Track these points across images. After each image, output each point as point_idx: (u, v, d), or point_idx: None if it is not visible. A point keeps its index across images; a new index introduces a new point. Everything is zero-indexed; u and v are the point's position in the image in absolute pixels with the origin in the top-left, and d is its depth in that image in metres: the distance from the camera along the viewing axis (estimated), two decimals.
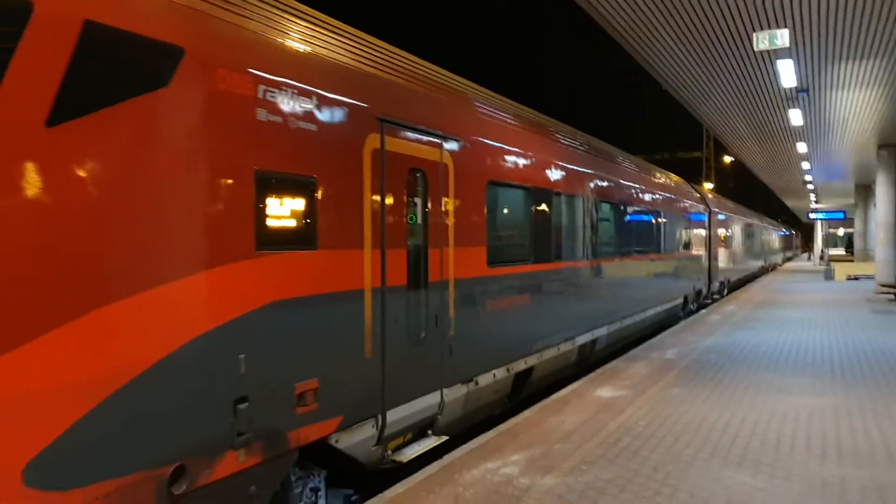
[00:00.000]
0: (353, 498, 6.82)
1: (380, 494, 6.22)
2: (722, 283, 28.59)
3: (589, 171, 12.55)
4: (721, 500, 5.91)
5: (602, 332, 13.27)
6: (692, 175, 68.31)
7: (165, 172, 4.42)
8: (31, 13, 3.68)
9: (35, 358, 3.68)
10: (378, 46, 7.49)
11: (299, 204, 5.62)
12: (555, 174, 10.89)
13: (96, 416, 3.95)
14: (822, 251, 67.14)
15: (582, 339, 12.11)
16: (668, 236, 18.91)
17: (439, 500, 6.00)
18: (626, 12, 12.50)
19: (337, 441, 6.06)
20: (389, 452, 6.96)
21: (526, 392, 10.33)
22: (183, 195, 4.54)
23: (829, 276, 38.25)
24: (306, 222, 5.68)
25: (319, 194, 5.79)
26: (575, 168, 11.81)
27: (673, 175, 23.25)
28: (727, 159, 68.76)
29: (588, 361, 13.11)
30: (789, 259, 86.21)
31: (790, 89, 17.79)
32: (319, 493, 6.29)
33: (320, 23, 6.58)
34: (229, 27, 5.12)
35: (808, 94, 18.43)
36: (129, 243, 4.19)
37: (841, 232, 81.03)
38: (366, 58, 6.94)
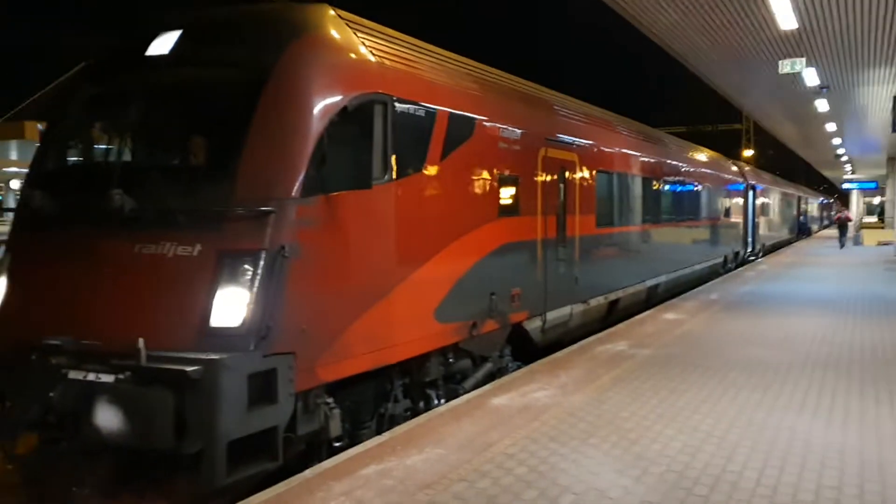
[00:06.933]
0: (520, 365, 11.51)
1: (548, 356, 10.86)
2: (758, 247, 32.82)
3: (651, 157, 16.99)
4: (746, 359, 10.48)
5: (662, 279, 17.79)
6: (733, 145, 71.64)
7: (475, 175, 9.05)
8: (436, 114, 8.28)
9: (436, 263, 8.30)
10: (538, 89, 12.03)
11: (512, 191, 10.21)
12: (629, 161, 15.38)
13: (452, 292, 8.60)
14: (858, 220, 70.02)
15: (650, 283, 16.68)
16: (710, 206, 23.26)
17: (584, 358, 10.65)
18: (675, 28, 16.66)
19: (525, 325, 10.70)
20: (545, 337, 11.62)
21: (613, 317, 14.90)
22: (477, 186, 9.16)
23: (857, 241, 42.10)
24: (515, 201, 10.26)
25: (519, 184, 10.36)
26: (640, 155, 16.25)
27: (714, 153, 27.50)
28: None
29: (651, 301, 17.62)
30: (826, 226, 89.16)
31: (814, 86, 21.88)
32: (508, 359, 10.96)
33: (512, 82, 11.12)
34: (489, 104, 9.70)
35: (829, 90, 22.47)
36: (463, 209, 8.82)
37: (877, 200, 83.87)
38: (535, 99, 11.52)
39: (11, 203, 68.58)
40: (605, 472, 6.02)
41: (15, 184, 67.87)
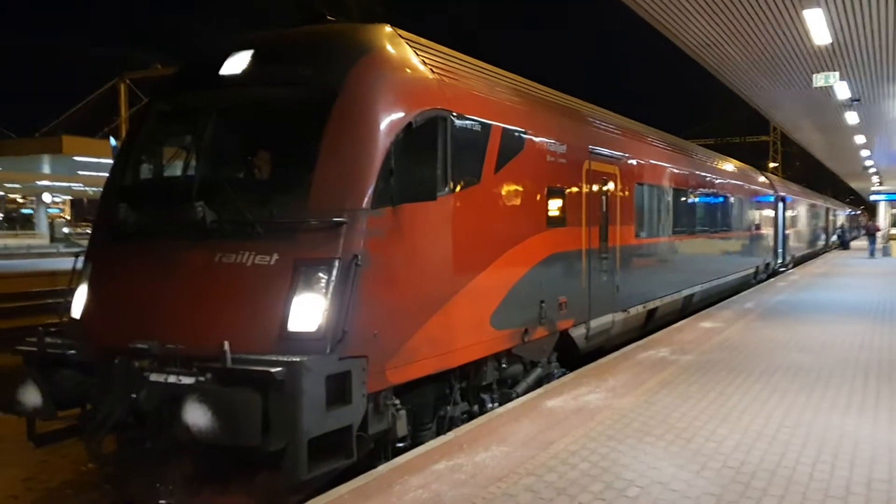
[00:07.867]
0: (565, 371, 11.81)
1: (594, 362, 11.16)
2: (788, 258, 32.90)
3: (686, 170, 17.27)
4: (787, 363, 10.72)
5: (697, 289, 18.03)
6: (761, 157, 71.47)
7: (526, 187, 9.40)
8: (490, 129, 8.65)
9: (492, 271, 8.65)
10: (580, 103, 12.39)
11: (559, 202, 10.55)
12: (666, 174, 15.68)
13: (507, 299, 8.95)
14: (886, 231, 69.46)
15: (685, 292, 16.93)
16: (742, 218, 23.47)
17: (629, 364, 10.94)
18: (712, 44, 16.95)
19: (571, 332, 11.00)
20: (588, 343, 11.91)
21: (651, 325, 15.16)
22: (528, 198, 9.51)
23: (887, 252, 41.96)
24: (562, 212, 10.60)
25: (566, 196, 10.70)
26: (675, 168, 16.54)
27: (745, 165, 27.72)
28: None
29: (686, 311, 17.85)
30: (854, 238, 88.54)
31: (845, 99, 22.06)
32: (555, 365, 11.27)
33: (557, 97, 11.49)
34: (537, 118, 10.05)
35: (860, 102, 22.63)
36: (516, 220, 9.17)
37: None
38: (578, 114, 11.87)
39: (43, 217, 69.86)
40: (665, 468, 6.32)
41: (47, 197, 69.11)
